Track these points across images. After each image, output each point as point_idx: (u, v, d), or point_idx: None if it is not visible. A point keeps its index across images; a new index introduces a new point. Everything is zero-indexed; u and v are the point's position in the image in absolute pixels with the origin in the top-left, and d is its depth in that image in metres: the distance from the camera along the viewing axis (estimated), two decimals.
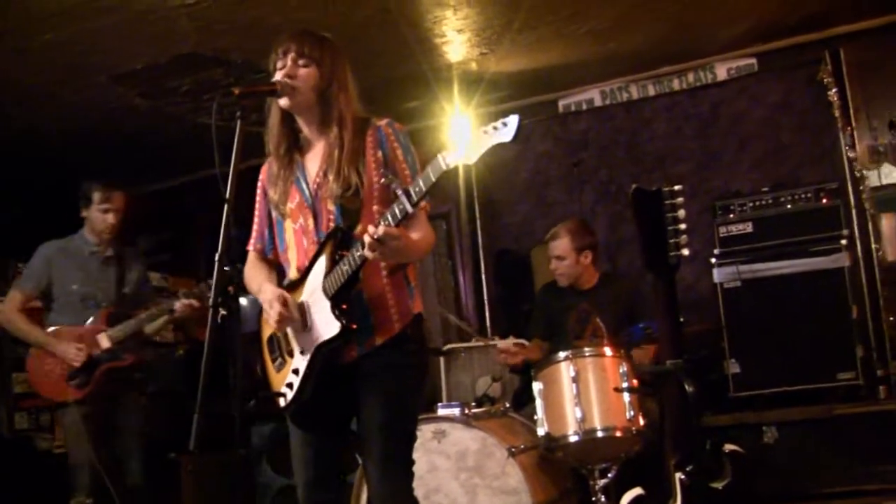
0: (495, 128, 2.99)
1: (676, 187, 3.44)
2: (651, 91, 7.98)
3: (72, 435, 5.68)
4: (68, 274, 5.78)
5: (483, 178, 8.39)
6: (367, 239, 3.13)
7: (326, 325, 3.38)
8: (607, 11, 6.65)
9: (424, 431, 5.11)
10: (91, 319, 5.73)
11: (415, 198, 3.11)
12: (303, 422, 3.59)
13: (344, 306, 3.35)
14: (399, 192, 3.12)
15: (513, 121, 2.98)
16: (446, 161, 3.04)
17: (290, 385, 3.53)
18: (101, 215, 5.82)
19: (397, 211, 3.14)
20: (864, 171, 7.12)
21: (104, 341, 5.67)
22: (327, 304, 3.37)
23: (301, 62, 3.51)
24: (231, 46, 6.65)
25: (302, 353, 3.49)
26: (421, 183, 3.10)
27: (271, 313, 3.45)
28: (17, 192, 8.14)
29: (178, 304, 5.62)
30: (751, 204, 6.75)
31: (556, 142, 8.32)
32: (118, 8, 5.88)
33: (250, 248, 3.83)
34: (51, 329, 5.74)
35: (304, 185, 3.57)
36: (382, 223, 3.14)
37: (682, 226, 3.44)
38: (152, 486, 6.22)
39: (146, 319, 5.72)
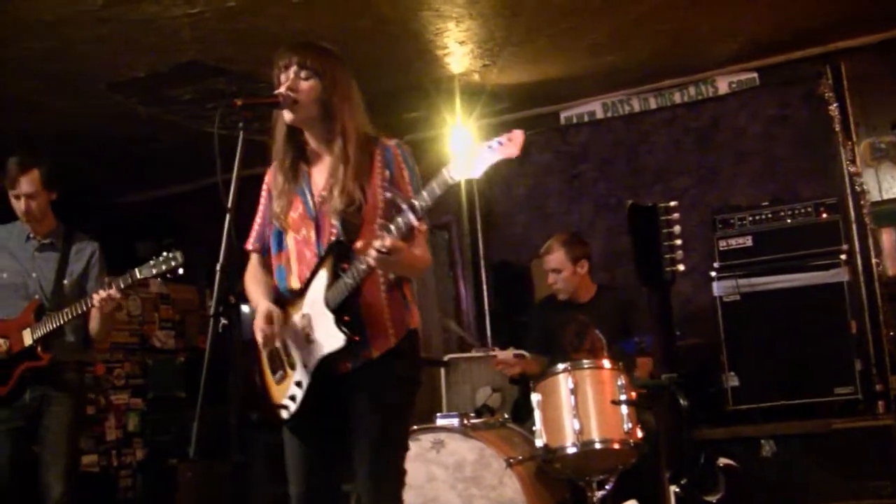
0: (500, 143, 3.02)
1: (672, 203, 3.47)
2: (652, 104, 7.99)
3: None
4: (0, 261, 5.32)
5: (483, 190, 8.41)
6: (372, 251, 3.16)
7: (329, 337, 3.40)
8: (605, 25, 6.67)
9: (423, 441, 5.14)
10: (21, 313, 5.21)
11: (420, 212, 3.14)
12: (301, 432, 3.60)
13: (346, 319, 3.38)
14: (404, 205, 3.15)
15: (518, 136, 3.01)
16: (451, 175, 3.07)
17: (292, 398, 3.54)
18: (13, 201, 5.27)
19: (402, 223, 3.16)
20: (865, 187, 7.13)
21: (27, 337, 5.11)
22: (330, 316, 3.39)
23: (303, 75, 3.51)
24: (232, 56, 6.68)
25: (305, 365, 3.50)
26: (426, 196, 3.13)
27: (257, 332, 3.49)
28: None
29: (95, 298, 4.91)
30: (750, 218, 6.76)
31: (556, 154, 8.34)
32: (118, 17, 5.90)
33: (249, 246, 3.83)
34: None
35: (308, 197, 3.58)
36: (387, 234, 3.16)
37: (678, 241, 3.46)
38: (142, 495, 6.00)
39: (67, 316, 5.04)
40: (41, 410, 5.11)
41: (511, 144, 3.02)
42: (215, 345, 3.20)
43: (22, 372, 5.10)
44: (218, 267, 3.24)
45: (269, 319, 3.47)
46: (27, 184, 5.18)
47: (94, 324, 5.17)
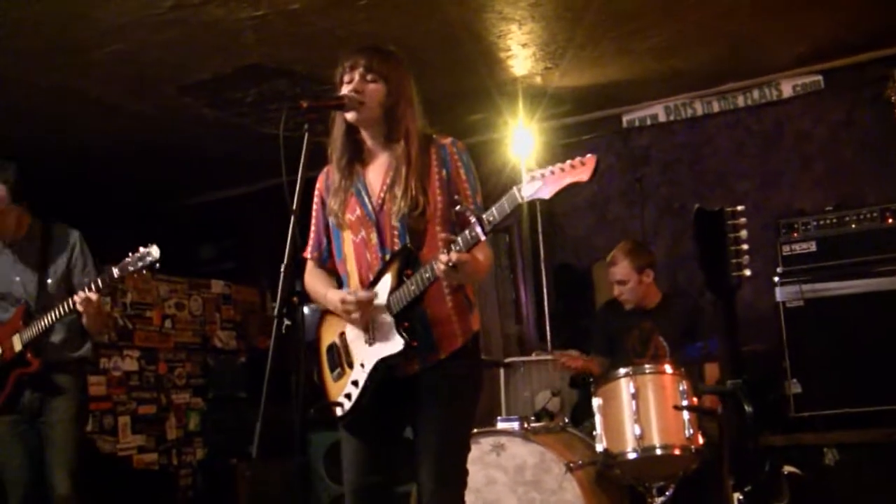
0: (573, 166, 3.03)
1: (739, 207, 3.44)
2: (715, 107, 7.92)
3: (1, 448, 5.16)
4: None
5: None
6: (440, 265, 3.20)
7: (389, 340, 3.45)
8: (669, 28, 6.62)
9: (483, 444, 5.15)
10: (10, 318, 5.14)
11: (488, 227, 3.18)
12: (357, 430, 3.64)
13: (406, 324, 3.42)
14: (473, 219, 3.18)
15: (590, 161, 3.02)
16: (522, 195, 3.11)
17: (348, 396, 3.58)
18: None
19: (469, 238, 3.21)
20: None
21: (17, 343, 5.03)
22: (391, 320, 3.44)
23: (369, 77, 3.55)
24: (295, 58, 6.72)
25: (362, 365, 3.54)
26: (495, 212, 3.17)
27: (350, 308, 3.48)
28: (83, 203, 8.27)
29: (77, 300, 4.82)
30: (815, 223, 6.67)
31: (618, 157, 8.29)
32: (184, 20, 5.96)
33: (307, 255, 3.86)
34: None
35: (366, 199, 3.61)
36: (455, 249, 3.20)
37: (745, 246, 3.43)
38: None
39: (53, 318, 4.94)
40: (42, 410, 5.08)
41: (584, 168, 3.04)
42: (278, 345, 3.22)
43: (15, 378, 5.05)
44: (282, 268, 3.26)
45: (354, 299, 3.47)
46: None
47: (85, 320, 5.00)
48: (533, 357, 7.01)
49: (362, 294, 3.47)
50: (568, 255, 8.47)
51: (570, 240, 8.50)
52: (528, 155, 7.96)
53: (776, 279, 6.61)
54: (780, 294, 6.59)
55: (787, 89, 7.67)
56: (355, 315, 3.49)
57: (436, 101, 3.74)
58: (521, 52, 6.85)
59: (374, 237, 3.57)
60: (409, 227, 3.50)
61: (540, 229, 8.21)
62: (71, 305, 4.85)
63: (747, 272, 3.43)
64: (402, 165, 3.52)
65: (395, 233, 3.52)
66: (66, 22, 5.90)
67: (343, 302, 3.49)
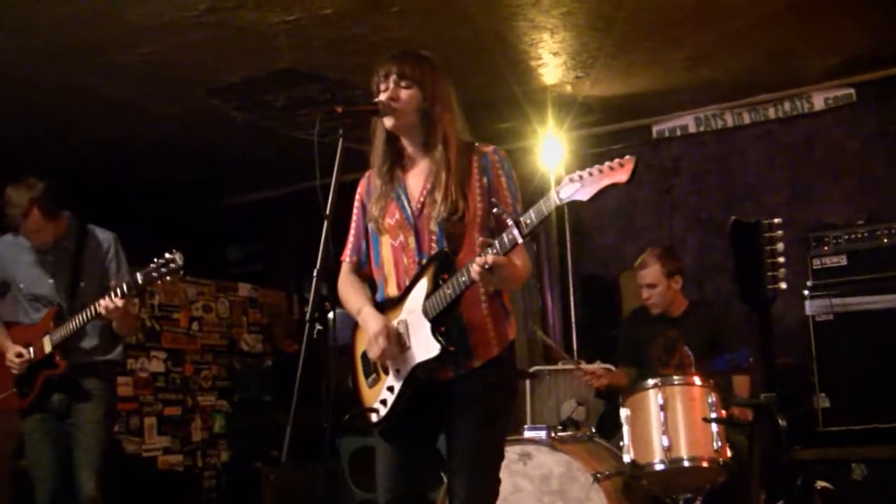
0: (611, 167, 3.02)
1: (776, 220, 3.42)
2: (746, 119, 7.89)
3: (28, 446, 5.23)
4: (17, 272, 5.28)
5: (575, 202, 8.35)
6: (476, 267, 3.18)
7: (425, 346, 3.42)
8: (700, 38, 6.60)
9: (510, 453, 5.13)
10: (41, 319, 5.20)
11: (525, 230, 3.16)
12: (392, 437, 3.62)
13: (443, 329, 3.39)
14: (510, 222, 3.16)
15: (629, 162, 3.01)
16: (560, 197, 3.09)
17: (383, 402, 3.56)
18: (22, 234, 5.22)
19: (507, 241, 3.19)
20: None
21: (47, 344, 5.08)
22: (427, 325, 3.41)
23: (403, 84, 3.54)
24: (327, 63, 6.73)
25: (398, 371, 3.52)
26: (532, 216, 3.15)
27: (375, 348, 3.48)
28: (110, 204, 8.31)
29: (101, 306, 4.84)
30: (846, 236, 6.63)
31: (647, 167, 8.26)
32: (216, 23, 5.97)
33: (345, 258, 3.84)
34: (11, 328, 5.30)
35: (406, 203, 3.60)
36: (491, 252, 3.18)
37: (781, 259, 3.42)
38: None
39: (81, 320, 4.96)
40: (70, 411, 5.11)
41: (622, 170, 3.02)
42: (310, 349, 3.21)
43: (44, 380, 5.10)
44: (314, 273, 3.25)
45: (387, 335, 3.47)
46: (31, 224, 5.08)
47: (114, 323, 5.09)
48: (559, 366, 6.99)
49: (392, 346, 3.48)
50: (595, 265, 8.46)
51: (598, 249, 8.49)
52: (556, 164, 7.96)
53: (806, 293, 6.58)
54: (809, 307, 6.56)
55: (818, 102, 7.63)
56: (376, 350, 3.49)
57: (465, 109, 3.71)
58: (552, 60, 6.85)
59: (411, 241, 3.57)
60: (447, 231, 3.48)
61: (567, 238, 8.20)
62: (95, 311, 4.89)
63: (783, 285, 3.42)
64: (442, 170, 3.51)
65: (433, 237, 3.51)
66: (97, 24, 5.93)
67: (376, 337, 3.48)
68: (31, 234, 5.15)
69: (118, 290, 4.81)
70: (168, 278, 4.78)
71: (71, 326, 4.99)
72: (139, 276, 4.78)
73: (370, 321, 3.56)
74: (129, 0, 5.62)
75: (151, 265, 4.76)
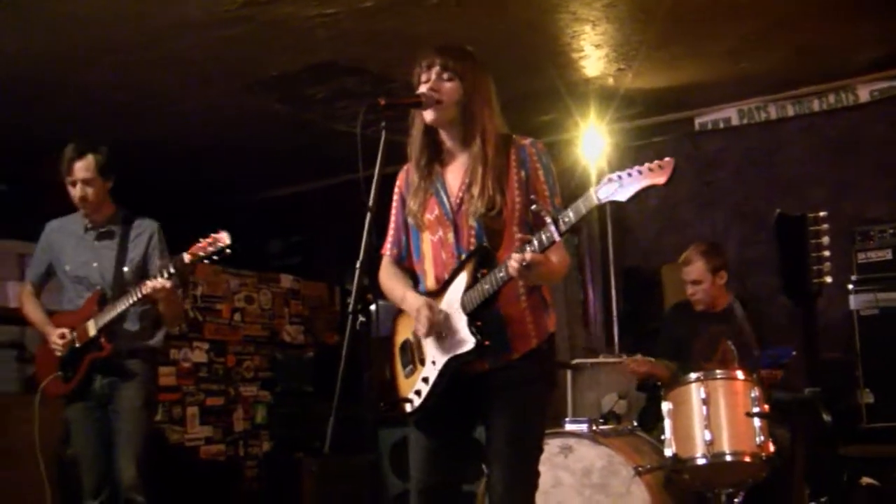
0: (650, 168, 3.01)
1: (821, 213, 3.40)
2: (790, 111, 7.83)
3: (73, 433, 5.24)
4: (62, 254, 5.28)
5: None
6: (513, 263, 3.19)
7: (461, 339, 3.43)
8: (744, 30, 6.56)
9: (551, 446, 5.13)
10: (85, 303, 5.19)
11: (563, 228, 3.16)
12: (427, 427, 3.63)
13: (479, 323, 3.41)
14: (548, 219, 3.16)
15: (668, 163, 3.00)
16: (598, 196, 3.08)
17: (418, 392, 3.57)
18: (70, 189, 5.17)
19: (544, 238, 3.19)
20: None
21: (91, 328, 5.05)
22: (464, 319, 3.43)
23: (445, 76, 3.54)
24: (366, 56, 6.74)
25: (434, 362, 3.53)
26: (571, 214, 3.15)
27: (421, 319, 3.48)
28: (153, 198, 8.37)
29: (147, 287, 4.83)
30: (891, 231, 6.58)
31: (689, 160, 8.21)
32: (255, 17, 5.99)
33: (385, 252, 3.86)
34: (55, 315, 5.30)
35: (445, 198, 3.61)
36: (529, 249, 3.19)
37: (826, 253, 3.40)
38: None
39: (125, 304, 4.95)
40: (112, 397, 5.11)
41: (661, 172, 3.01)
42: (352, 341, 3.22)
43: (88, 363, 5.10)
44: (357, 264, 3.26)
45: (430, 306, 3.48)
46: (82, 169, 5.09)
47: (161, 307, 5.10)
48: (600, 359, 6.98)
49: (437, 317, 3.48)
50: (636, 258, 8.44)
51: (639, 242, 8.46)
52: (598, 156, 7.95)
53: (850, 287, 6.54)
54: (853, 302, 6.52)
55: (863, 94, 7.56)
56: (422, 327, 3.50)
57: (506, 102, 3.71)
58: (593, 52, 6.83)
59: (450, 237, 3.57)
60: (485, 226, 3.49)
61: (609, 231, 8.18)
62: (140, 294, 4.87)
63: (828, 279, 3.39)
64: (479, 165, 3.51)
65: (472, 233, 3.52)
66: (135, 21, 5.98)
67: (419, 311, 3.50)
68: (80, 187, 5.12)
69: (166, 271, 4.82)
70: (215, 258, 4.79)
71: (116, 310, 4.99)
72: (186, 256, 4.79)
73: (412, 302, 3.58)
74: None
75: (198, 243, 4.78)
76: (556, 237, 3.17)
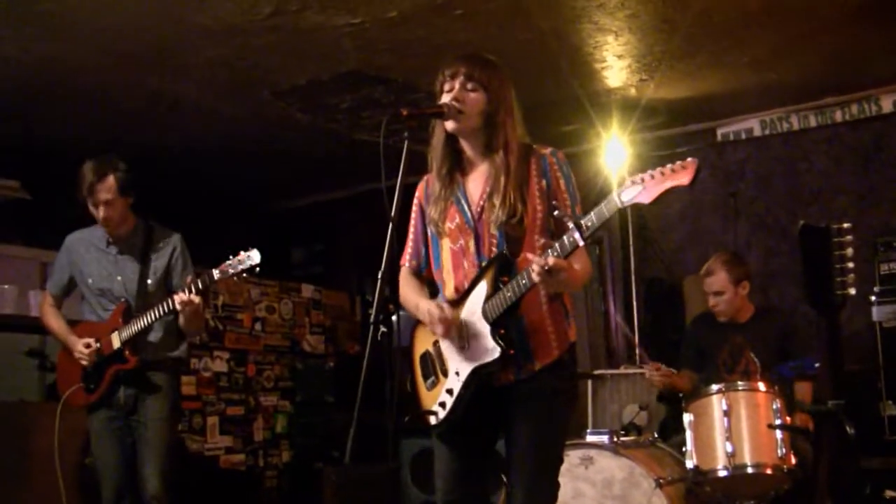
0: (673, 170, 3.00)
1: (846, 225, 3.38)
2: (812, 122, 7.80)
3: (94, 443, 5.25)
4: (85, 267, 5.29)
5: (637, 205, 8.31)
6: (536, 268, 3.16)
7: (485, 348, 3.41)
8: (768, 41, 6.55)
9: (572, 457, 5.12)
10: (110, 316, 5.21)
11: (587, 233, 3.14)
12: (451, 440, 3.61)
13: (503, 332, 3.38)
14: (571, 224, 3.14)
15: (691, 164, 2.98)
16: (621, 199, 3.06)
17: (442, 404, 3.56)
18: (92, 209, 5.16)
19: (567, 243, 3.17)
20: None
21: (115, 340, 5.10)
22: (487, 328, 3.41)
23: (469, 86, 3.53)
24: (391, 65, 6.76)
25: (457, 373, 3.52)
26: (594, 218, 3.13)
27: (434, 321, 3.48)
28: (176, 205, 8.38)
29: (176, 300, 4.88)
30: None
31: (712, 171, 8.19)
32: (283, 26, 6.03)
33: (404, 263, 3.85)
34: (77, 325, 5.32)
35: (466, 207, 3.60)
36: (552, 254, 3.17)
37: (850, 264, 3.37)
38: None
39: (152, 317, 5.01)
40: (136, 407, 5.14)
41: (684, 173, 3.00)
42: (372, 351, 3.21)
43: (112, 375, 5.13)
44: (379, 275, 3.26)
45: (440, 308, 3.48)
46: (104, 191, 5.07)
47: (182, 321, 5.13)
48: (621, 370, 6.96)
49: (449, 314, 3.47)
50: (658, 269, 8.41)
51: (661, 253, 8.43)
52: (620, 166, 7.93)
53: (873, 298, 6.50)
54: (876, 314, 6.48)
55: (886, 104, 7.52)
56: (438, 328, 3.49)
57: (529, 111, 3.71)
58: (616, 63, 6.83)
59: (471, 245, 3.56)
60: (507, 235, 3.47)
61: (631, 242, 8.16)
62: (170, 305, 4.91)
63: (852, 290, 3.37)
64: (501, 175, 3.50)
65: (494, 241, 3.51)
66: (164, 27, 6.02)
67: (430, 313, 3.49)
68: (103, 209, 5.12)
69: (195, 286, 4.85)
70: (244, 275, 4.83)
71: (141, 323, 5.03)
72: (216, 273, 4.83)
73: (423, 307, 3.57)
74: (196, 4, 5.69)
75: (228, 261, 4.82)
76: (580, 242, 3.15)
